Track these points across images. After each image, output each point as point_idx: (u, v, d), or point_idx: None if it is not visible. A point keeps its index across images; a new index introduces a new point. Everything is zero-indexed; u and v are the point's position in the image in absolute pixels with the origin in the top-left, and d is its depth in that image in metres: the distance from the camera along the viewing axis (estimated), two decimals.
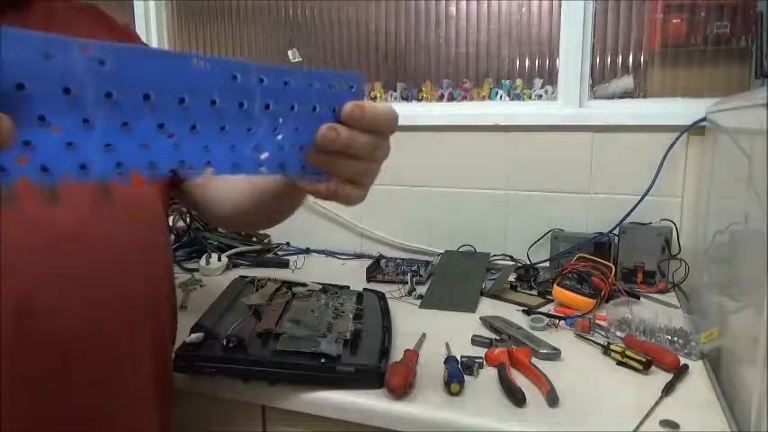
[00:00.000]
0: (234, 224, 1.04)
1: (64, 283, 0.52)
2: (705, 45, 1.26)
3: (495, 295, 1.11)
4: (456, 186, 1.37)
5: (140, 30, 1.65)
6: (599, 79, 1.33)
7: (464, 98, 1.43)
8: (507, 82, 1.40)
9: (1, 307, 0.48)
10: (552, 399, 0.70)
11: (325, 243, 1.47)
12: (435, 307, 1.06)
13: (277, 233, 1.50)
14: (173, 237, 1.39)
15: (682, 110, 1.19)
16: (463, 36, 1.44)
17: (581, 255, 1.15)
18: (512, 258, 1.32)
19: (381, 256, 1.35)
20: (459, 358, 0.79)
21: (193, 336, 0.79)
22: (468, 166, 1.35)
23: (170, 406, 0.70)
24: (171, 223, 1.39)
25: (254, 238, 1.47)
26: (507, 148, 1.31)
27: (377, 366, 0.75)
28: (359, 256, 1.43)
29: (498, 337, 0.89)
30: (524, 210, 1.32)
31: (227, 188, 0.72)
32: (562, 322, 0.95)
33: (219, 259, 1.30)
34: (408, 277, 1.17)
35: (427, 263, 1.28)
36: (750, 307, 0.69)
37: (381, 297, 1.03)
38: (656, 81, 1.31)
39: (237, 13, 1.66)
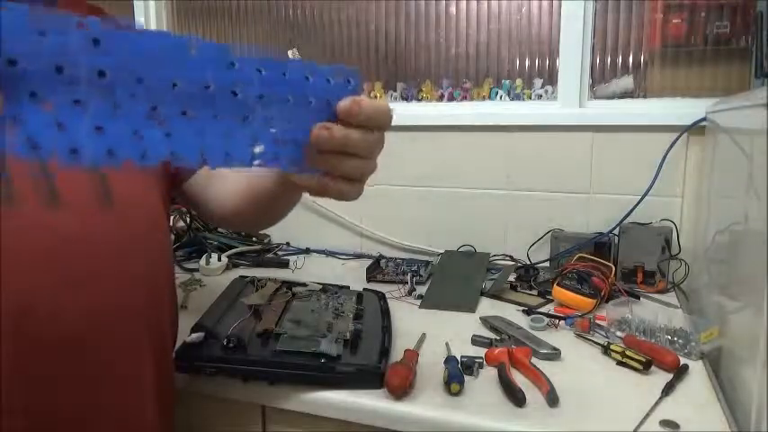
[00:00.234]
0: (233, 224, 1.04)
1: (64, 283, 0.51)
2: (705, 45, 1.26)
3: (495, 295, 1.11)
4: (456, 186, 1.37)
5: None
6: (599, 79, 1.33)
7: (464, 98, 1.43)
8: (507, 82, 1.40)
9: (1, 307, 0.48)
10: (552, 399, 0.70)
11: (325, 243, 1.47)
12: (435, 307, 1.06)
13: (277, 233, 1.50)
14: (173, 237, 1.39)
15: (682, 110, 1.19)
16: (463, 36, 1.44)
17: (581, 255, 1.15)
18: (512, 258, 1.32)
19: (381, 256, 1.35)
20: (459, 358, 0.79)
21: (193, 336, 0.79)
22: (468, 166, 1.35)
23: (172, 406, 0.70)
24: (171, 223, 1.39)
25: (254, 238, 1.47)
26: (507, 148, 1.31)
27: (377, 366, 0.75)
28: (359, 256, 1.43)
29: (498, 337, 0.89)
30: (524, 210, 1.32)
31: (225, 188, 0.72)
32: (562, 322, 0.95)
33: (219, 259, 1.30)
34: (408, 277, 1.17)
35: (427, 263, 1.28)
36: (750, 307, 0.69)
37: (381, 297, 1.03)
38: (656, 81, 1.31)
39: (237, 13, 1.66)
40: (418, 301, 1.08)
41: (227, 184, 0.72)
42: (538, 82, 1.38)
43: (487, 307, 1.06)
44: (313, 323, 0.84)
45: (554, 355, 0.82)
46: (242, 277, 1.11)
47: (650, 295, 1.11)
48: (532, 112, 1.31)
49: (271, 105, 0.39)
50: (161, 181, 0.68)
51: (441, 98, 1.45)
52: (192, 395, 0.79)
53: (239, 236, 1.45)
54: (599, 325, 0.93)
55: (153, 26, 1.68)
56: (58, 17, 0.29)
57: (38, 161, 0.31)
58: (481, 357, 0.80)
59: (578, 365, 0.81)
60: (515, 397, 0.70)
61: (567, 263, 1.15)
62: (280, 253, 1.44)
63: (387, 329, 0.87)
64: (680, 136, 1.17)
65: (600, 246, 1.20)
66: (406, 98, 1.49)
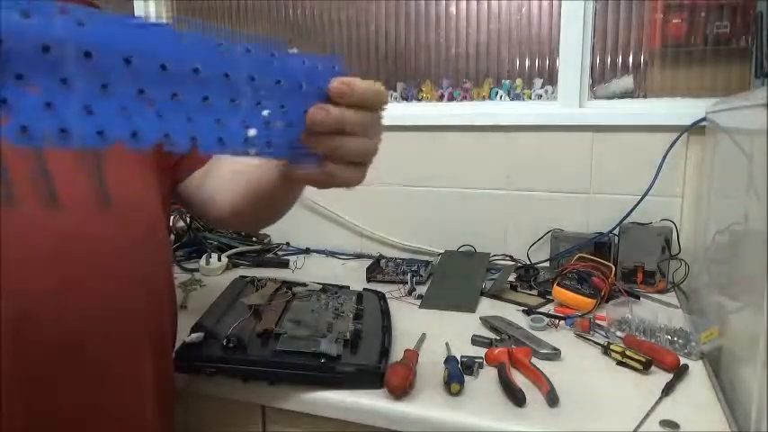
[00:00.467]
0: (232, 224, 1.04)
1: (63, 285, 0.51)
2: (705, 45, 1.26)
3: (495, 295, 1.11)
4: (456, 186, 1.37)
5: None
6: (599, 79, 1.33)
7: (464, 98, 1.43)
8: (507, 82, 1.40)
9: (1, 309, 0.48)
10: (552, 399, 0.70)
11: (325, 243, 1.47)
12: (435, 307, 1.06)
13: (277, 233, 1.50)
14: (173, 237, 1.39)
15: (682, 110, 1.19)
16: (463, 36, 1.44)
17: (581, 255, 1.15)
18: (512, 258, 1.32)
19: (381, 256, 1.35)
20: (459, 358, 0.79)
21: (193, 336, 0.79)
22: (468, 166, 1.35)
23: (172, 406, 0.70)
24: (171, 223, 1.39)
25: (254, 238, 1.47)
26: (507, 148, 1.31)
27: (377, 366, 0.75)
28: (359, 256, 1.43)
29: (498, 337, 0.89)
30: (524, 210, 1.32)
31: (223, 188, 0.72)
32: (562, 322, 0.95)
33: (219, 259, 1.30)
34: (408, 277, 1.17)
35: (427, 263, 1.28)
36: (750, 307, 0.69)
37: (381, 297, 1.03)
38: (656, 81, 1.31)
39: (237, 13, 1.66)
40: (418, 301, 1.08)
41: (224, 184, 0.72)
42: (538, 82, 1.38)
43: (487, 307, 1.06)
44: (313, 323, 0.84)
45: (554, 355, 0.82)
46: (242, 277, 1.11)
47: (650, 295, 1.11)
48: (532, 112, 1.30)
49: (261, 89, 0.39)
50: (161, 182, 0.68)
51: (441, 98, 1.45)
52: (192, 395, 0.79)
53: (239, 236, 1.45)
54: (599, 325, 0.92)
55: None
56: (41, 2, 0.29)
57: (30, 148, 0.31)
58: (481, 357, 0.80)
59: (578, 365, 0.81)
60: (515, 397, 0.70)
61: (567, 263, 1.15)
62: (280, 253, 1.44)
63: (387, 329, 0.87)
64: (680, 136, 1.17)
65: (600, 246, 1.20)
66: (406, 98, 1.49)
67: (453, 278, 1.18)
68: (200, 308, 0.93)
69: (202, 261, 1.29)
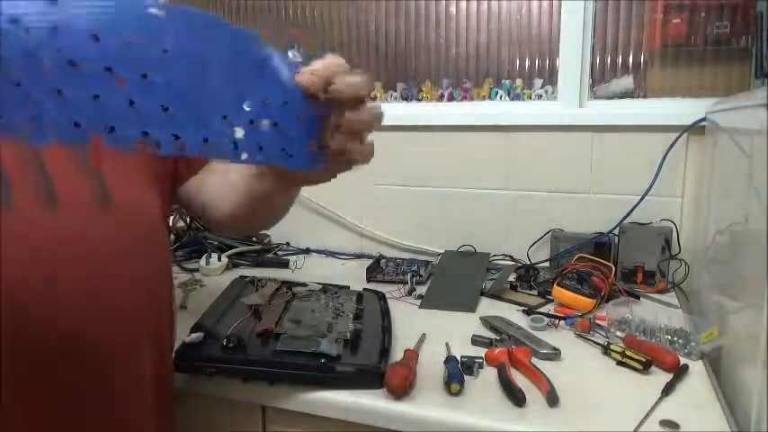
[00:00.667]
0: (232, 228, 1.03)
1: (62, 285, 0.51)
2: (705, 45, 1.26)
3: (495, 295, 1.11)
4: (456, 186, 1.37)
5: None
6: (599, 79, 1.33)
7: (464, 98, 1.43)
8: (507, 82, 1.40)
9: (1, 309, 0.48)
10: (552, 399, 0.70)
11: (325, 243, 1.47)
12: (435, 307, 1.06)
13: (277, 233, 1.50)
14: (173, 237, 1.39)
15: (682, 110, 1.19)
16: (463, 36, 1.44)
17: (581, 255, 1.15)
18: (512, 258, 1.32)
19: (381, 256, 1.35)
20: (459, 358, 0.79)
21: (193, 336, 0.79)
22: (468, 166, 1.35)
23: (172, 407, 0.70)
24: (171, 223, 1.39)
25: (254, 238, 1.47)
26: (507, 148, 1.31)
27: (377, 366, 0.75)
28: (359, 256, 1.43)
29: (498, 337, 0.89)
30: (524, 210, 1.32)
31: (220, 193, 0.71)
32: (562, 322, 0.95)
33: (219, 259, 1.30)
34: (408, 277, 1.17)
35: (427, 263, 1.28)
36: (750, 307, 0.69)
37: (381, 297, 1.03)
38: (656, 81, 1.31)
39: (237, 13, 1.66)
40: (418, 301, 1.08)
41: (221, 190, 0.71)
42: (538, 82, 1.38)
43: (487, 307, 1.06)
44: (313, 323, 0.84)
45: (554, 355, 0.82)
46: (242, 277, 1.11)
47: (650, 295, 1.11)
48: (532, 112, 1.30)
49: (238, 78, 0.38)
50: (162, 183, 0.68)
51: (441, 98, 1.45)
52: (192, 395, 0.79)
53: (239, 236, 1.45)
54: (599, 325, 0.92)
55: None
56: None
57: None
58: (481, 357, 0.80)
59: (578, 365, 0.81)
60: (515, 397, 0.70)
61: (566, 263, 1.15)
62: (280, 253, 1.44)
63: (387, 329, 0.87)
64: (680, 136, 1.17)
65: (600, 246, 1.20)
66: (406, 98, 1.49)
67: (453, 278, 1.18)
68: (200, 308, 0.93)
69: (202, 261, 1.29)
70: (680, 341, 0.84)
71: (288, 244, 1.49)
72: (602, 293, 1.02)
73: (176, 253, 1.37)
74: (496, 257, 1.32)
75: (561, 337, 0.90)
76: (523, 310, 1.03)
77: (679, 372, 0.77)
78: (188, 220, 1.40)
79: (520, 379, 0.75)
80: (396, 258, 1.34)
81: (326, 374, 0.73)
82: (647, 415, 0.67)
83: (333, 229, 1.48)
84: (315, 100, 0.43)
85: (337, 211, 1.47)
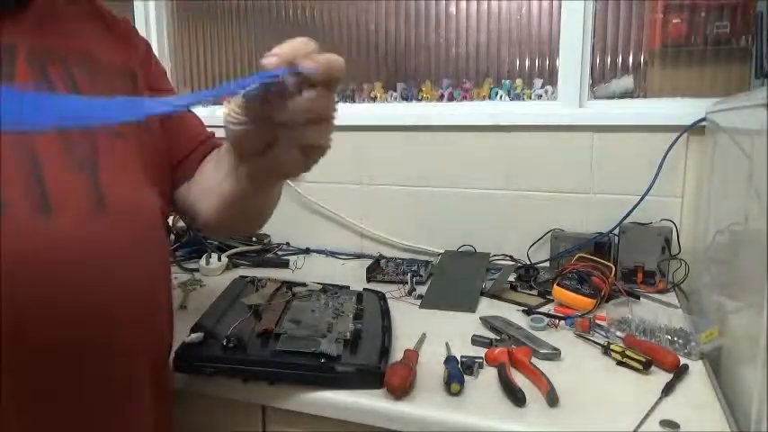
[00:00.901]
0: (219, 230, 1.02)
1: (59, 288, 0.51)
2: (705, 45, 1.26)
3: (495, 295, 1.11)
4: (456, 186, 1.37)
5: (140, 30, 1.64)
6: (599, 79, 1.33)
7: (464, 98, 1.43)
8: (507, 82, 1.40)
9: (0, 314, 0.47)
10: (552, 399, 0.70)
11: (325, 243, 1.47)
12: (435, 307, 1.06)
13: (277, 233, 1.50)
14: (173, 237, 1.39)
15: (682, 110, 1.19)
16: (463, 36, 1.44)
17: (581, 255, 1.15)
18: (512, 258, 1.32)
19: (381, 256, 1.35)
20: (459, 358, 0.79)
21: (193, 336, 0.79)
22: (468, 166, 1.35)
23: (170, 407, 0.70)
24: (171, 223, 1.39)
25: (254, 238, 1.47)
26: (507, 148, 1.31)
27: (377, 366, 0.75)
28: (359, 256, 1.43)
29: (498, 337, 0.89)
30: (524, 210, 1.32)
31: (202, 199, 0.71)
32: (562, 322, 0.95)
33: (219, 259, 1.30)
34: (408, 277, 1.17)
35: (427, 263, 1.28)
36: (750, 307, 0.69)
37: (381, 297, 1.03)
38: (656, 81, 1.31)
39: (237, 13, 1.66)
40: (418, 301, 1.08)
41: (202, 196, 0.71)
42: (538, 82, 1.38)
43: (487, 307, 1.06)
44: (313, 323, 0.84)
45: (554, 355, 0.82)
46: (242, 277, 1.11)
47: (650, 295, 1.11)
48: (532, 112, 1.30)
49: None
50: (161, 182, 0.68)
51: (441, 98, 1.45)
52: (192, 395, 0.79)
53: (232, 237, 1.44)
54: (599, 325, 0.93)
55: (153, 26, 1.68)
56: None
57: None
58: (481, 357, 0.80)
59: (578, 365, 0.81)
60: (515, 397, 0.70)
61: (567, 263, 1.15)
62: (280, 253, 1.44)
63: (387, 329, 0.87)
64: (680, 136, 1.17)
65: (600, 246, 1.20)
66: (406, 98, 1.49)
67: (453, 278, 1.18)
68: (200, 308, 0.93)
69: (202, 261, 1.29)
70: (680, 341, 0.84)
71: (288, 244, 1.49)
72: (602, 293, 1.02)
73: (176, 253, 1.37)
74: (496, 257, 1.32)
75: (561, 337, 0.90)
76: (523, 310, 1.03)
77: (679, 372, 0.77)
78: (186, 220, 1.40)
79: (520, 379, 0.75)
80: (396, 258, 1.34)
81: (326, 374, 0.73)
82: (647, 415, 0.67)
83: (333, 229, 1.48)
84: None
85: (337, 211, 1.47)
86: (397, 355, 0.81)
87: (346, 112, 1.46)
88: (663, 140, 1.18)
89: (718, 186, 0.99)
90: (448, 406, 0.70)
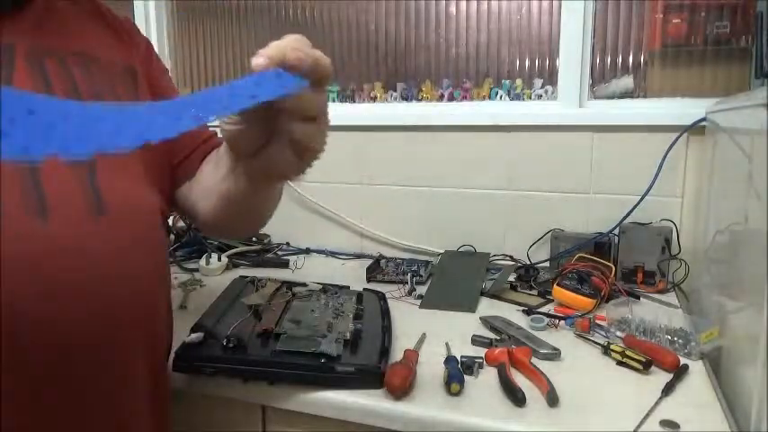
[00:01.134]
0: (219, 231, 1.01)
1: (57, 291, 0.51)
2: (705, 45, 1.26)
3: (495, 295, 1.11)
4: (456, 186, 1.37)
5: (140, 29, 1.65)
6: (599, 79, 1.33)
7: (464, 98, 1.43)
8: (507, 82, 1.40)
9: None
10: (552, 399, 0.70)
11: (325, 243, 1.47)
12: (435, 307, 1.06)
13: (277, 233, 1.50)
14: (173, 237, 1.39)
15: (682, 110, 1.19)
16: (463, 36, 1.44)
17: (581, 255, 1.15)
18: (512, 258, 1.32)
19: (381, 256, 1.35)
20: (459, 358, 0.79)
21: (193, 336, 0.79)
22: (468, 166, 1.35)
23: (169, 408, 0.70)
24: (171, 223, 1.39)
25: (254, 238, 1.47)
26: (507, 149, 1.31)
27: (377, 366, 0.75)
28: (359, 256, 1.43)
29: (498, 337, 0.89)
30: (524, 210, 1.32)
31: (202, 200, 0.70)
32: (562, 322, 0.95)
33: (219, 259, 1.30)
34: (408, 277, 1.17)
35: (427, 263, 1.28)
36: (750, 307, 0.69)
37: (381, 297, 1.03)
38: (656, 81, 1.31)
39: (237, 13, 1.66)
40: (418, 301, 1.08)
41: (202, 197, 0.70)
42: (538, 82, 1.38)
43: (487, 307, 1.06)
44: (313, 323, 0.84)
45: (554, 355, 0.82)
46: (242, 277, 1.11)
47: (650, 295, 1.11)
48: (532, 112, 1.30)
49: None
50: (161, 182, 0.68)
51: (441, 98, 1.45)
52: (192, 395, 0.79)
53: (231, 239, 1.44)
54: (599, 325, 0.93)
55: (153, 26, 1.68)
56: None
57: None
58: (481, 357, 0.80)
59: (578, 365, 0.81)
60: (515, 397, 0.70)
61: (567, 263, 1.15)
62: (280, 253, 1.44)
63: (387, 329, 0.87)
64: (680, 136, 1.17)
65: (600, 246, 1.20)
66: (406, 98, 1.49)
67: (453, 278, 1.18)
68: (200, 308, 0.93)
69: (202, 261, 1.29)
70: (680, 341, 0.84)
71: (288, 244, 1.49)
72: (602, 293, 1.02)
73: (176, 253, 1.37)
74: (496, 257, 1.32)
75: (561, 337, 0.90)
76: (523, 310, 1.03)
77: (679, 372, 0.77)
78: (188, 220, 1.40)
79: (520, 379, 0.75)
80: (396, 258, 1.34)
81: (326, 374, 0.73)
82: (647, 415, 0.67)
83: (333, 229, 1.48)
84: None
85: (337, 211, 1.47)
86: (397, 355, 0.81)
87: (346, 112, 1.47)
88: (663, 140, 1.18)
89: (718, 186, 0.99)
90: (448, 406, 0.70)
